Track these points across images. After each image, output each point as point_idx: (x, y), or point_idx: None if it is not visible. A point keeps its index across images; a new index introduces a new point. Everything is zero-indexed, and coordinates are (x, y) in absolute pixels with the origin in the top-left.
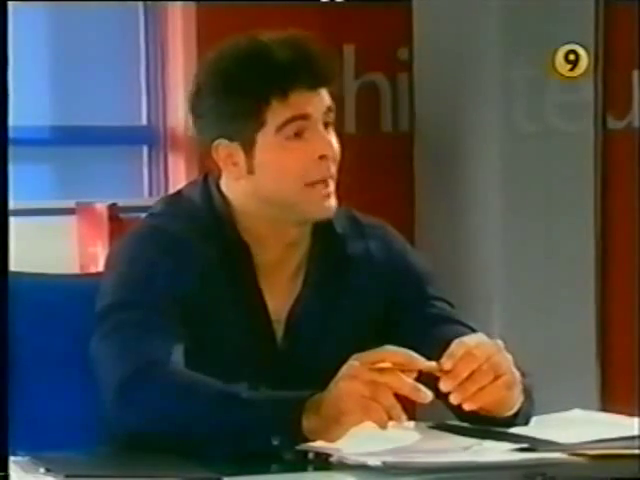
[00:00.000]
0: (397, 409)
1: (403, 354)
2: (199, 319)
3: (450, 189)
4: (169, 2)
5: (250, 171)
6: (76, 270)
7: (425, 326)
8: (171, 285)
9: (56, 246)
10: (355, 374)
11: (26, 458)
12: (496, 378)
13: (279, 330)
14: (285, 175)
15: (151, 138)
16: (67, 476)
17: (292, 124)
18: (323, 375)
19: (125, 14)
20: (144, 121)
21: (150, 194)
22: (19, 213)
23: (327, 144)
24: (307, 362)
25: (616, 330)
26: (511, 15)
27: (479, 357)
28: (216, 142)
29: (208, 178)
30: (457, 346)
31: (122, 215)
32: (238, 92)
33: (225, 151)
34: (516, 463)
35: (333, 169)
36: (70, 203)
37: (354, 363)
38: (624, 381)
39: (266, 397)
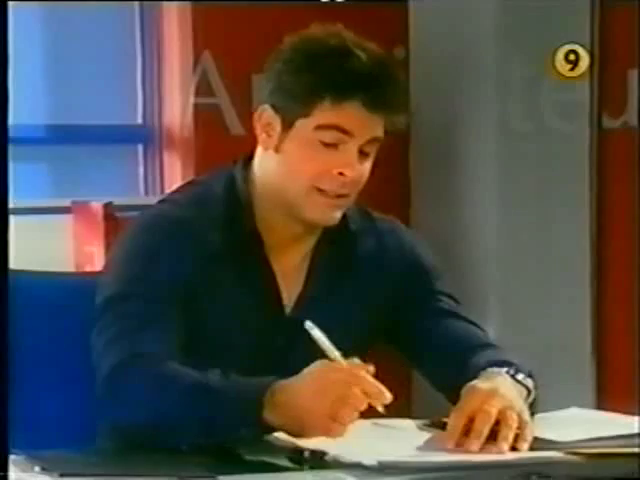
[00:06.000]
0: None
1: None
2: (204, 302)
3: (446, 187)
4: (165, 2)
5: (277, 149)
6: (71, 269)
7: (430, 320)
8: (172, 272)
9: (51, 245)
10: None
11: (21, 457)
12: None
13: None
14: (298, 171)
15: (146, 137)
16: (62, 475)
17: (331, 132)
18: None
19: (121, 14)
20: (140, 120)
21: (146, 193)
22: (15, 212)
23: (352, 167)
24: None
25: (612, 328)
26: (507, 15)
27: (493, 414)
28: (263, 107)
29: (237, 162)
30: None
31: (118, 214)
32: (306, 71)
33: (267, 119)
34: (512, 462)
35: (347, 190)
36: (66, 202)
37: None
38: (620, 379)
39: (232, 384)
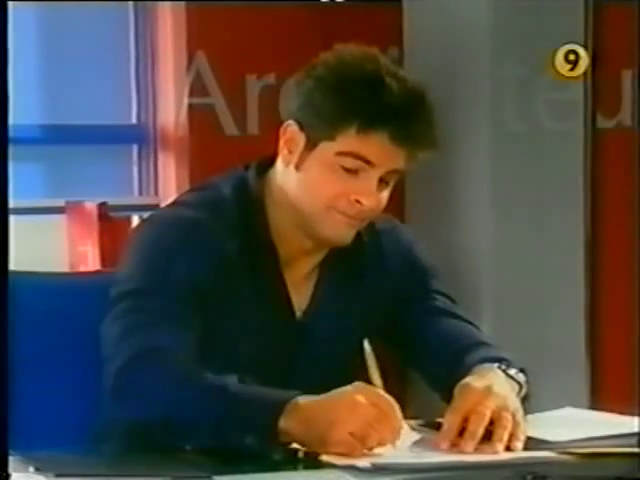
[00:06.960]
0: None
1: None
2: (217, 305)
3: (440, 188)
4: (159, 2)
5: (298, 167)
6: (65, 269)
7: (425, 318)
8: (190, 272)
9: (46, 245)
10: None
11: (16, 457)
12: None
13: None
14: (317, 192)
15: (141, 137)
16: (57, 475)
17: (353, 159)
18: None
19: (115, 13)
20: (134, 120)
21: (140, 193)
22: (9, 212)
23: (370, 196)
24: (323, 357)
25: (606, 328)
26: (501, 14)
27: (487, 415)
28: (289, 122)
29: (249, 168)
30: (453, 416)
31: (112, 214)
32: (337, 92)
33: (291, 134)
34: (506, 462)
35: (363, 215)
36: (60, 202)
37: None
38: (614, 379)
39: (249, 394)
